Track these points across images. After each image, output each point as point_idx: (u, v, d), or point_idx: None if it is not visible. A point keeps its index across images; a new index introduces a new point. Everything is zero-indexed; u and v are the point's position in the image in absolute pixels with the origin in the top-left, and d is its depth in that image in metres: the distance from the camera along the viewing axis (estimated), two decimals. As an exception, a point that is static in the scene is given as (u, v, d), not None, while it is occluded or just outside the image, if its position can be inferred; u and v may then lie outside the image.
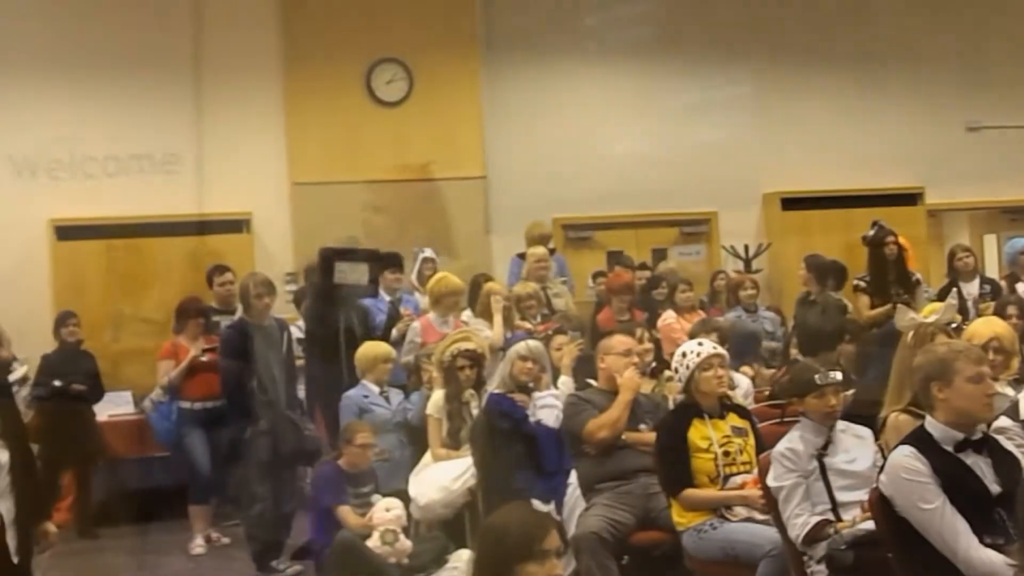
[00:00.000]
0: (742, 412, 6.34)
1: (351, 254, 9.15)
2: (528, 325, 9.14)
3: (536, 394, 7.12)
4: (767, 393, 8.06)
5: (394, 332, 9.26)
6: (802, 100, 13.12)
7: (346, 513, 7.16)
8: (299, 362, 9.05)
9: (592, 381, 6.94)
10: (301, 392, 9.01)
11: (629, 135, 12.60)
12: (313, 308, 9.18)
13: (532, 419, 7.04)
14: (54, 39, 11.27)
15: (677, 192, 12.63)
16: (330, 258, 9.03)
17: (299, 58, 11.84)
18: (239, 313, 8.67)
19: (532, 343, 7.49)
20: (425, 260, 10.75)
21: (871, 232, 10.28)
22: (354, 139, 11.94)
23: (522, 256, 10.70)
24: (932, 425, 4.40)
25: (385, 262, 9.88)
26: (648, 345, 7.59)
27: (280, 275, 10.81)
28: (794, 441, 5.37)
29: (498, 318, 8.88)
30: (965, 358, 4.38)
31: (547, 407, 7.01)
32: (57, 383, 9.46)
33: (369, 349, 8.32)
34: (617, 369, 6.64)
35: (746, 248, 12.60)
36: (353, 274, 9.00)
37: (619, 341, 6.85)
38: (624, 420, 6.49)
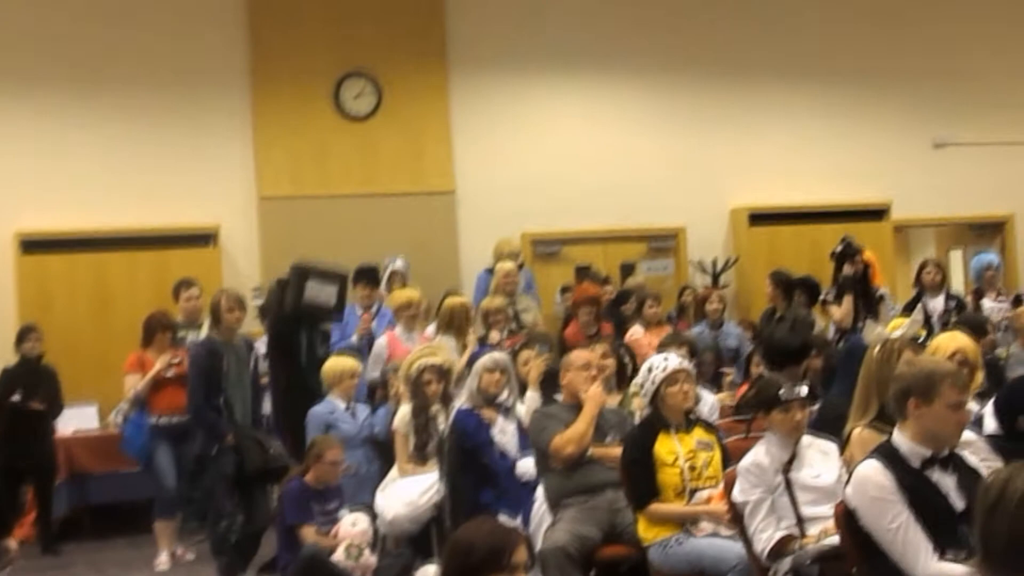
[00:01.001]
0: (708, 426, 6.34)
1: (324, 275, 9.09)
2: (495, 339, 9.14)
3: (519, 466, 7.11)
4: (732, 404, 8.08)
5: (355, 338, 9.33)
6: (770, 116, 13.17)
7: (309, 534, 7.12)
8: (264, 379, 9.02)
9: (558, 396, 6.94)
10: (267, 408, 8.97)
11: (597, 150, 12.60)
12: (278, 324, 9.12)
13: (497, 436, 7.07)
14: (15, 52, 11.19)
15: (645, 207, 12.65)
16: (304, 275, 8.98)
17: (267, 71, 11.79)
18: (205, 327, 8.59)
19: (497, 355, 7.51)
20: (393, 273, 10.69)
21: (839, 247, 10.35)
22: (322, 153, 11.90)
23: (490, 271, 10.69)
24: (899, 440, 4.38)
25: (361, 277, 9.92)
26: (609, 361, 7.59)
27: (247, 289, 10.74)
28: (760, 455, 5.36)
29: (472, 347, 8.91)
30: (951, 384, 4.33)
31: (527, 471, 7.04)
32: (16, 398, 9.40)
33: (335, 364, 8.28)
34: (577, 384, 6.65)
35: (714, 263, 12.61)
36: (323, 294, 8.97)
37: (577, 356, 6.90)
38: (590, 434, 6.48)
